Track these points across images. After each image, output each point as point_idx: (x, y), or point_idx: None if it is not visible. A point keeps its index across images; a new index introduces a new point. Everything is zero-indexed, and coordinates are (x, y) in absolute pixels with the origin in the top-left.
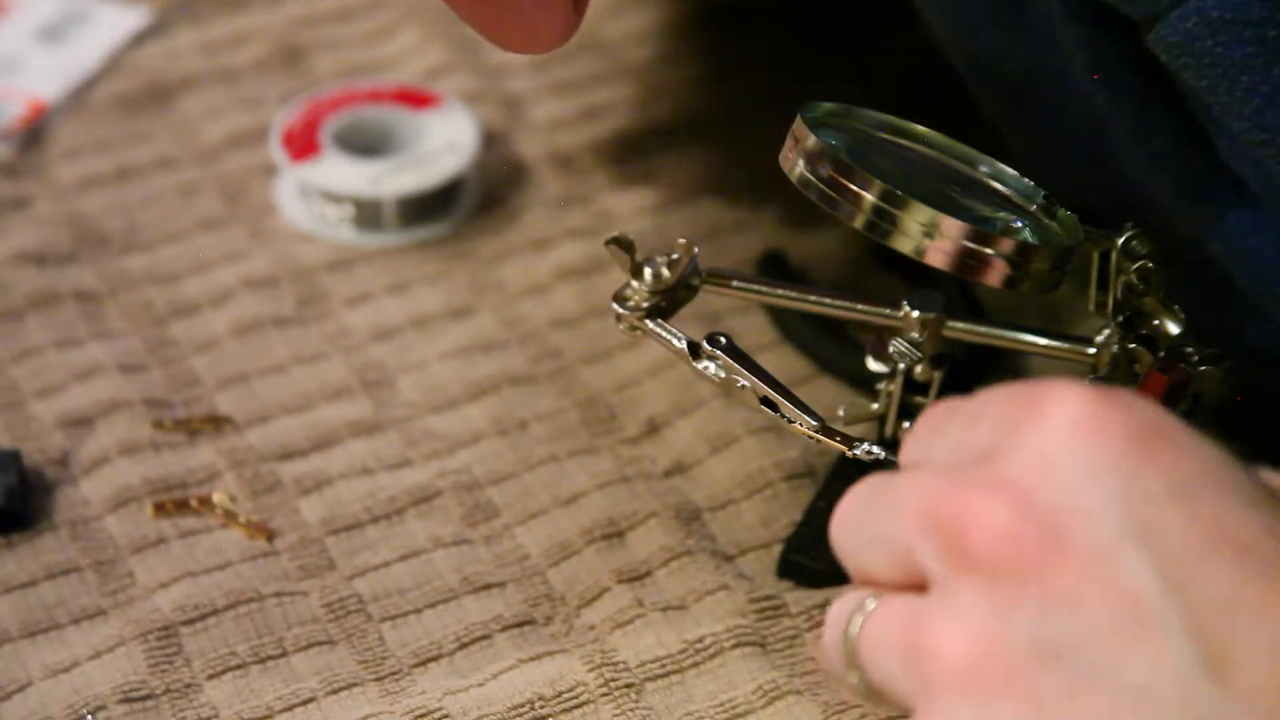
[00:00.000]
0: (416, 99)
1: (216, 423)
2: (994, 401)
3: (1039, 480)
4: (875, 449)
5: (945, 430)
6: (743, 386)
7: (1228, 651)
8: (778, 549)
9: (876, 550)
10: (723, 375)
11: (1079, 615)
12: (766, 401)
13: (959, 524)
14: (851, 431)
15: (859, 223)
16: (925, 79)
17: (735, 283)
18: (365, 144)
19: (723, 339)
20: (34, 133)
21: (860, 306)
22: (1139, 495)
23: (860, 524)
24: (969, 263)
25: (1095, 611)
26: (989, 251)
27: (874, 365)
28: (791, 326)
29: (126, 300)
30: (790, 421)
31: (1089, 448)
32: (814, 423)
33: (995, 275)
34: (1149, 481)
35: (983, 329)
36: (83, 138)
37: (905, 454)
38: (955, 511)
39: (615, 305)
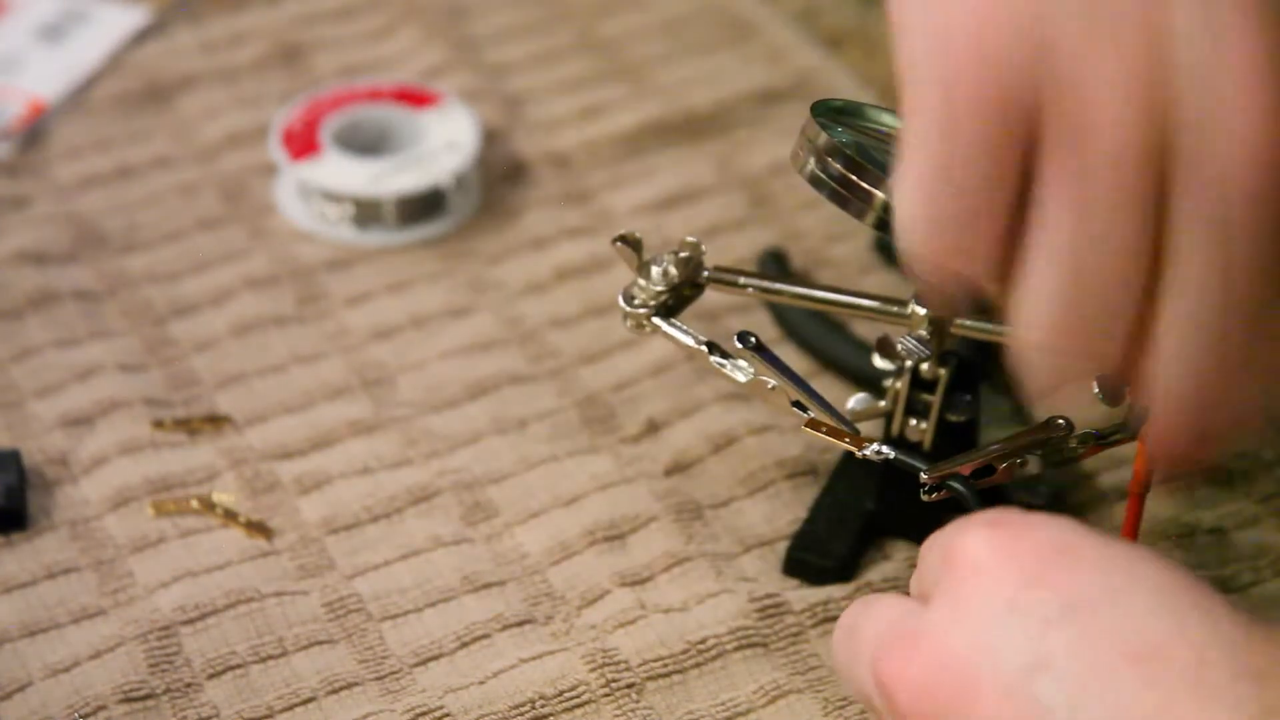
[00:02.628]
0: (416, 98)
1: (216, 422)
2: (933, 545)
3: (951, 626)
4: (884, 449)
5: (922, 558)
6: (773, 388)
7: None
8: (781, 546)
9: (853, 681)
10: (750, 376)
11: None
12: (797, 403)
13: (889, 685)
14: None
15: (870, 220)
16: None
17: (742, 280)
18: (365, 143)
19: (753, 339)
20: (34, 132)
21: (868, 304)
22: (1038, 623)
23: (845, 649)
24: None
25: None
26: None
27: (880, 363)
28: (794, 324)
29: (126, 300)
30: (819, 424)
31: (990, 586)
32: (849, 430)
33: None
34: (1047, 607)
35: (991, 326)
36: (83, 137)
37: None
38: (885, 674)
39: (622, 304)
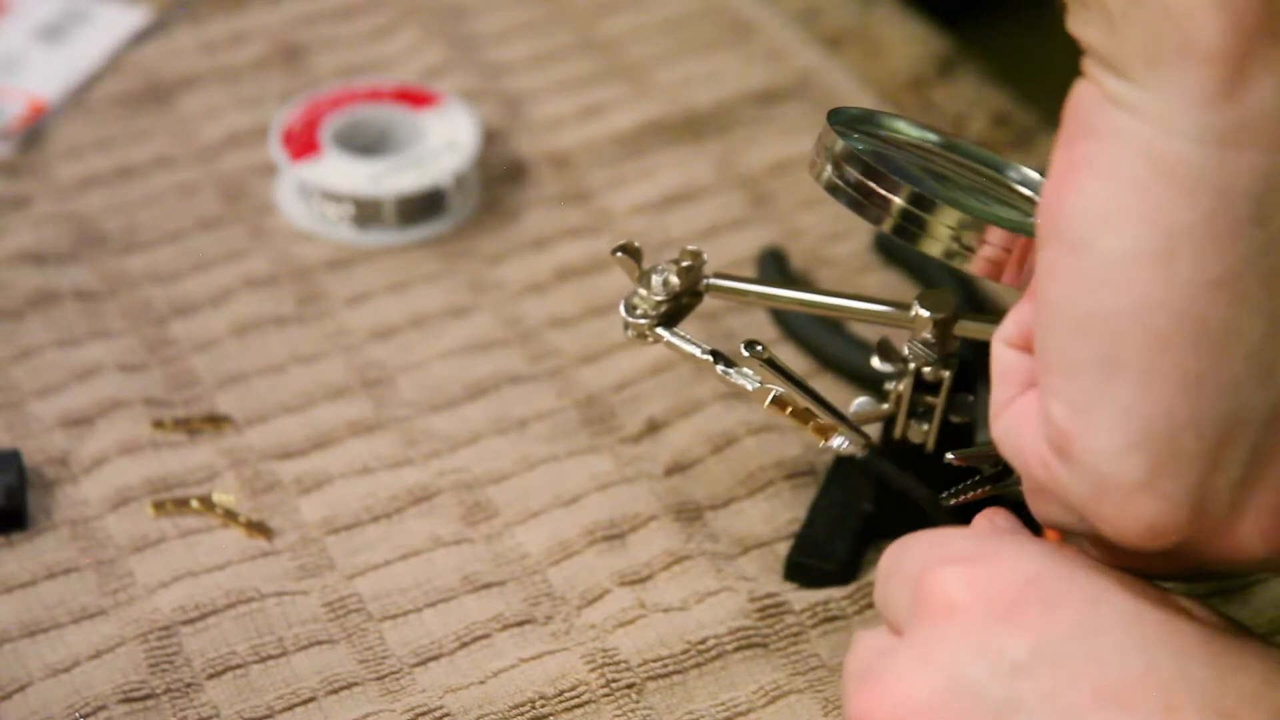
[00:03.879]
0: (416, 98)
1: (216, 422)
2: (898, 572)
3: (922, 668)
4: (848, 443)
5: (886, 581)
6: (780, 394)
7: None
8: (780, 546)
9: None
10: (757, 385)
11: None
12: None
13: None
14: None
15: (887, 226)
16: (934, 80)
17: (742, 287)
18: (365, 143)
19: (760, 347)
20: (34, 132)
21: (870, 308)
22: (1008, 668)
23: (843, 690)
24: (1000, 265)
25: None
26: (1020, 255)
27: (880, 365)
28: (793, 324)
29: (126, 300)
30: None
31: (962, 628)
32: (860, 439)
33: (1026, 279)
34: (1016, 650)
35: (995, 328)
36: (83, 137)
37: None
38: (859, 714)
39: (624, 313)
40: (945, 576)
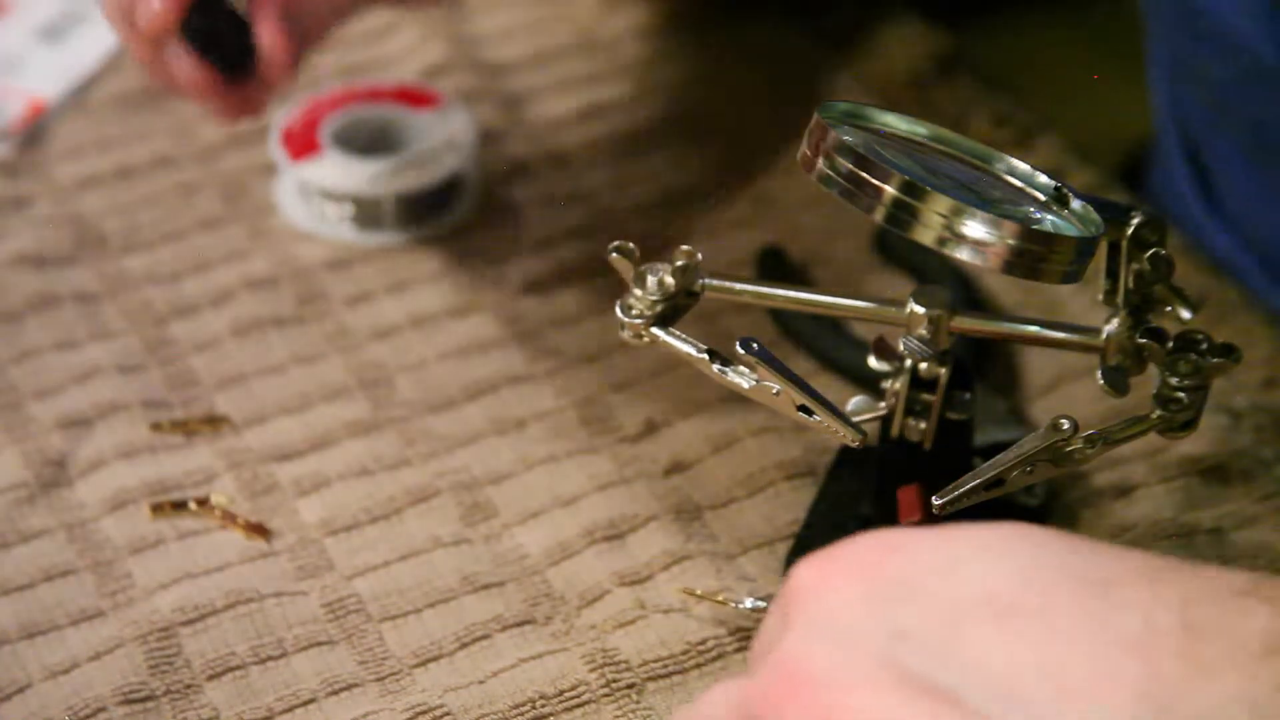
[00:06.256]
0: (416, 97)
1: (215, 423)
2: (762, 635)
3: (808, 639)
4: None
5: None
6: (777, 393)
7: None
8: (780, 546)
9: None
10: (754, 383)
11: None
12: (803, 408)
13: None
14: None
15: (879, 215)
16: (934, 80)
17: (738, 287)
18: (365, 143)
19: (755, 345)
20: (34, 132)
21: (864, 305)
22: (882, 601)
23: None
24: (991, 253)
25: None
26: (1012, 242)
27: (875, 364)
28: (792, 323)
29: (126, 300)
30: (826, 426)
31: (831, 595)
32: (856, 434)
33: (1018, 265)
34: (887, 583)
35: (991, 324)
36: (83, 137)
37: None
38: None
39: (620, 314)
40: (802, 567)
